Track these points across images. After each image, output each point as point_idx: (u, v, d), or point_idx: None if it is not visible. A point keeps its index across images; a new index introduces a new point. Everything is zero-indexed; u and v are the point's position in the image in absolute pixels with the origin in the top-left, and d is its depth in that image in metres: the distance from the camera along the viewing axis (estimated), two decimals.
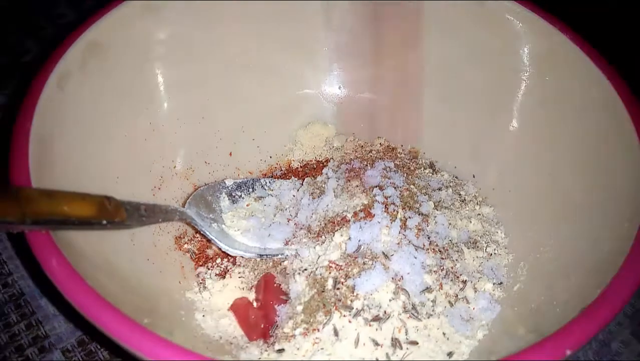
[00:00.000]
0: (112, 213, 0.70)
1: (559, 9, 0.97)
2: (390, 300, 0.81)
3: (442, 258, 0.89)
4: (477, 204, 1.04)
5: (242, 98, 1.11)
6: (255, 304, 0.90)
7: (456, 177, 1.09)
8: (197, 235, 1.01)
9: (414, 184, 0.99)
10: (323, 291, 0.83)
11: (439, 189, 1.03)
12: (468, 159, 1.10)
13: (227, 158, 1.11)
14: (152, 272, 0.89)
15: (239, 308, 0.89)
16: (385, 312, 0.80)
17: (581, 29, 0.93)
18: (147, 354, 0.58)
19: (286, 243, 0.95)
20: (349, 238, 0.87)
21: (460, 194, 1.05)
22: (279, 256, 0.94)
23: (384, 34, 1.11)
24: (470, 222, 0.99)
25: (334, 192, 0.97)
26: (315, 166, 1.13)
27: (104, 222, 0.68)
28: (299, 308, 0.83)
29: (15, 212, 0.57)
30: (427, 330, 0.81)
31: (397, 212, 0.90)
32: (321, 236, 0.91)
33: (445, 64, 1.09)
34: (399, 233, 0.87)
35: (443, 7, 1.04)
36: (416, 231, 0.89)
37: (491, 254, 0.96)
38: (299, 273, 0.87)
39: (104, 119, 0.90)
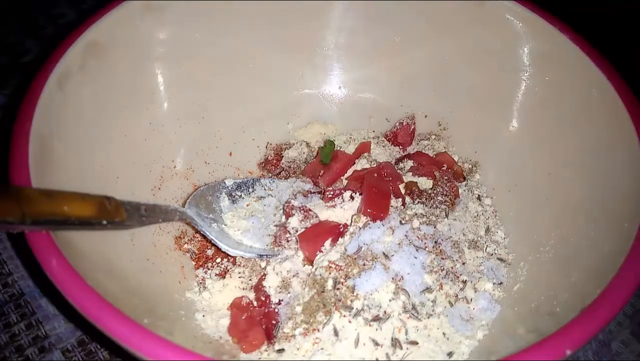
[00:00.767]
0: (112, 213, 0.70)
1: (559, 9, 0.97)
2: (390, 300, 0.81)
3: (442, 258, 0.88)
4: (479, 204, 1.04)
5: (242, 98, 1.11)
6: (255, 303, 0.90)
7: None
8: (197, 235, 1.01)
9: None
10: (323, 292, 0.83)
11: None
12: (468, 159, 1.10)
13: (227, 158, 1.11)
14: (152, 272, 0.89)
15: (238, 309, 0.89)
16: (385, 312, 0.80)
17: (581, 29, 0.93)
18: (147, 354, 0.58)
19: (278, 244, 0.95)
20: (350, 238, 0.87)
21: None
22: (279, 256, 0.94)
23: (384, 34, 1.11)
24: (470, 222, 0.99)
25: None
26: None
27: (104, 222, 0.68)
28: (298, 308, 0.83)
29: (16, 212, 0.57)
30: (427, 330, 0.81)
31: (407, 215, 0.91)
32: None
33: (446, 64, 1.09)
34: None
35: (443, 7, 1.04)
36: (417, 231, 0.89)
37: (491, 254, 0.96)
38: (294, 276, 0.88)
39: (104, 119, 0.90)
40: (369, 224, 0.89)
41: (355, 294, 0.81)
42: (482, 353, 0.80)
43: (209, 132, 1.09)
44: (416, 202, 0.97)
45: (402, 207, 0.95)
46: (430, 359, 0.78)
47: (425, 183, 1.02)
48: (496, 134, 1.05)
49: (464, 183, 1.06)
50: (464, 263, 0.92)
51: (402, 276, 0.83)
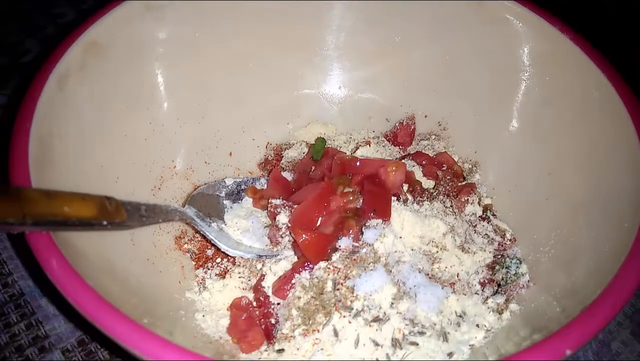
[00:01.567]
0: (112, 214, 0.70)
1: (560, 9, 0.97)
2: (392, 301, 0.81)
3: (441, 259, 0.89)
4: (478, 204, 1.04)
5: (242, 98, 1.11)
6: (255, 303, 0.90)
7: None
8: (197, 235, 1.01)
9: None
10: (322, 293, 0.83)
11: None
12: (468, 159, 1.10)
13: (227, 158, 1.11)
14: (152, 272, 0.89)
15: (237, 309, 0.89)
16: (385, 313, 0.80)
17: (581, 29, 0.93)
18: (146, 354, 0.58)
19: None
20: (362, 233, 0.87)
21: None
22: (278, 256, 0.94)
23: (384, 34, 1.11)
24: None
25: None
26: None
27: (105, 222, 0.68)
28: (295, 311, 0.83)
29: (16, 213, 0.57)
30: (427, 331, 0.81)
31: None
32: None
33: (446, 64, 1.09)
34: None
35: (443, 7, 1.04)
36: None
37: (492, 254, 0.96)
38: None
39: (104, 119, 0.90)
40: (373, 225, 0.89)
41: (355, 295, 0.81)
42: (483, 354, 0.80)
43: (209, 132, 1.09)
44: (417, 199, 0.97)
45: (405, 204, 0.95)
46: (431, 359, 0.78)
47: (426, 182, 1.02)
48: (496, 134, 1.05)
49: (464, 183, 1.06)
50: (464, 263, 0.92)
51: (402, 278, 0.84)
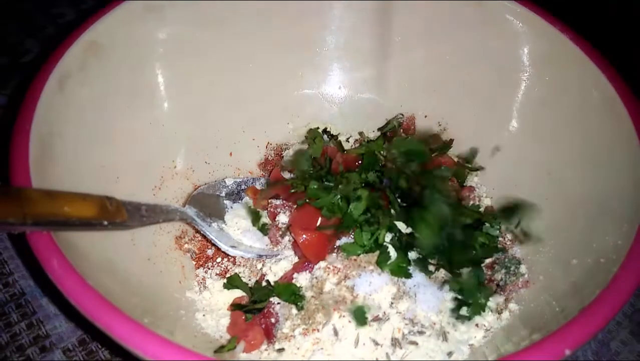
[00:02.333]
0: (113, 214, 0.70)
1: (559, 9, 0.97)
2: (391, 300, 0.81)
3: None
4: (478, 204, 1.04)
5: (242, 98, 1.11)
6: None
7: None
8: (198, 235, 1.01)
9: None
10: (322, 293, 0.83)
11: None
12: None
13: (227, 158, 1.11)
14: (152, 272, 0.89)
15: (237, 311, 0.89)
16: (385, 312, 0.80)
17: (581, 30, 0.93)
18: (147, 354, 0.58)
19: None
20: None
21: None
22: (278, 256, 0.94)
23: (384, 34, 1.11)
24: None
25: None
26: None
27: (105, 222, 0.68)
28: (295, 311, 0.83)
29: (17, 213, 0.57)
30: (427, 330, 0.81)
31: None
32: None
33: (446, 64, 1.09)
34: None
35: (443, 7, 1.04)
36: None
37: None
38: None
39: (104, 119, 0.90)
40: None
41: (355, 294, 0.81)
42: (482, 353, 0.80)
43: (209, 132, 1.09)
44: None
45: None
46: (430, 359, 0.78)
47: None
48: (496, 134, 1.05)
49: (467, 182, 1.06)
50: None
51: (404, 282, 0.84)
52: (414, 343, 0.79)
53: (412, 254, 0.88)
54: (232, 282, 0.90)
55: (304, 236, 0.87)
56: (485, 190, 1.06)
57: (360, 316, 0.79)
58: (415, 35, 1.09)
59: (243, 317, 0.86)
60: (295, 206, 0.94)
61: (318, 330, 0.79)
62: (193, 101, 1.06)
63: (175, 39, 1.01)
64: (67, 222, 0.63)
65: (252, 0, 1.04)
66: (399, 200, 0.91)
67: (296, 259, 0.92)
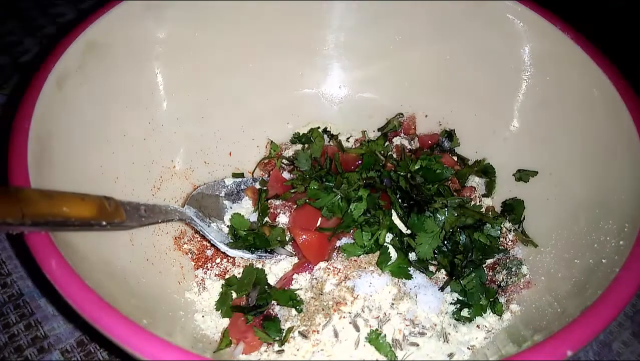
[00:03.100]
0: (111, 214, 0.70)
1: (560, 9, 0.97)
2: (392, 301, 0.81)
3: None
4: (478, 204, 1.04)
5: (242, 98, 1.11)
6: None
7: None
8: (197, 235, 1.01)
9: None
10: (321, 294, 0.83)
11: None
12: (468, 159, 1.10)
13: (227, 158, 1.11)
14: (151, 273, 0.89)
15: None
16: (385, 313, 0.80)
17: (582, 29, 0.93)
18: (146, 355, 0.58)
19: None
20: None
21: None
22: (278, 256, 0.94)
23: (384, 34, 1.10)
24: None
25: None
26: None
27: (104, 223, 0.68)
28: (294, 312, 0.83)
29: (15, 213, 0.56)
30: (428, 331, 0.81)
31: None
32: None
33: (446, 64, 1.08)
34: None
35: (444, 6, 1.03)
36: None
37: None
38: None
39: (103, 118, 0.90)
40: None
41: (355, 295, 0.81)
42: (483, 354, 0.79)
43: (209, 132, 1.09)
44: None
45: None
46: (431, 360, 0.78)
47: None
48: (497, 134, 1.05)
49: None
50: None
51: (404, 282, 0.83)
52: (415, 344, 0.79)
53: (413, 255, 0.87)
54: (231, 283, 0.89)
55: (304, 236, 0.87)
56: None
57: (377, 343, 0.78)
58: (415, 35, 1.09)
59: (243, 318, 0.86)
60: (295, 206, 0.93)
61: (318, 331, 0.79)
62: (192, 101, 1.06)
63: (174, 39, 1.00)
64: (66, 222, 0.63)
65: (252, 0, 1.04)
66: (399, 200, 0.90)
67: (296, 260, 0.91)
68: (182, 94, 1.04)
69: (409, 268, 0.84)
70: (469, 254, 0.86)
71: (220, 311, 0.87)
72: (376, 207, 0.89)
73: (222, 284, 0.90)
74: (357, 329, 0.79)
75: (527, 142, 1.01)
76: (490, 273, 0.91)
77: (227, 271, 0.95)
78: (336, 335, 0.78)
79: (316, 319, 0.80)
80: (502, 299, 0.88)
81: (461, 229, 0.87)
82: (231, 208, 1.02)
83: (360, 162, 1.00)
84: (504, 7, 0.98)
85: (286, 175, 1.05)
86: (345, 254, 0.86)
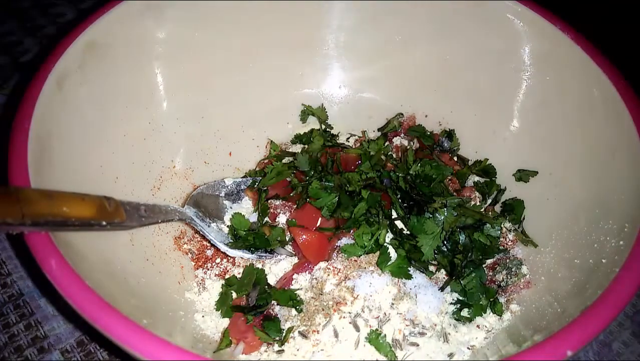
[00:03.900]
0: (111, 214, 0.70)
1: (560, 9, 0.97)
2: (392, 301, 0.81)
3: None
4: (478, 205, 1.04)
5: (242, 98, 1.11)
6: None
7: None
8: (197, 235, 1.01)
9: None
10: (321, 294, 0.83)
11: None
12: (468, 159, 1.10)
13: (227, 158, 1.11)
14: (151, 273, 0.89)
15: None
16: (385, 313, 0.80)
17: (582, 29, 0.93)
18: (146, 355, 0.58)
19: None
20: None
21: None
22: (278, 256, 0.94)
23: (384, 34, 1.10)
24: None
25: None
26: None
27: (104, 223, 0.68)
28: (294, 311, 0.83)
29: (15, 213, 0.56)
30: (428, 331, 0.81)
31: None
32: None
33: (446, 64, 1.08)
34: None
35: (444, 6, 1.03)
36: None
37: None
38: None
39: (103, 118, 0.90)
40: None
41: (355, 295, 0.81)
42: (483, 354, 0.79)
43: (209, 132, 1.09)
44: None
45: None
46: (431, 360, 0.78)
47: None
48: (497, 134, 1.05)
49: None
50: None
51: (404, 282, 0.83)
52: (415, 344, 0.79)
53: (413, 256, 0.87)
54: (231, 283, 0.89)
55: (304, 236, 0.87)
56: None
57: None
58: (415, 35, 1.09)
59: (243, 318, 0.86)
60: (295, 206, 0.93)
61: (318, 331, 0.79)
62: (192, 101, 1.06)
63: (174, 39, 1.00)
64: (66, 222, 0.63)
65: (252, 0, 1.04)
66: (400, 200, 0.90)
67: (296, 260, 0.91)
68: (182, 94, 1.04)
69: (409, 268, 0.84)
70: (469, 254, 0.86)
71: (220, 311, 0.87)
72: (376, 207, 0.89)
73: (222, 284, 0.90)
74: (357, 329, 0.79)
75: (527, 142, 1.01)
76: (490, 273, 0.91)
77: (227, 271, 0.95)
78: (336, 335, 0.78)
79: (316, 319, 0.80)
80: (502, 299, 0.88)
81: (461, 229, 0.87)
82: (231, 208, 1.02)
83: (360, 162, 1.00)
84: (504, 7, 0.98)
85: None
86: (345, 255, 0.86)
